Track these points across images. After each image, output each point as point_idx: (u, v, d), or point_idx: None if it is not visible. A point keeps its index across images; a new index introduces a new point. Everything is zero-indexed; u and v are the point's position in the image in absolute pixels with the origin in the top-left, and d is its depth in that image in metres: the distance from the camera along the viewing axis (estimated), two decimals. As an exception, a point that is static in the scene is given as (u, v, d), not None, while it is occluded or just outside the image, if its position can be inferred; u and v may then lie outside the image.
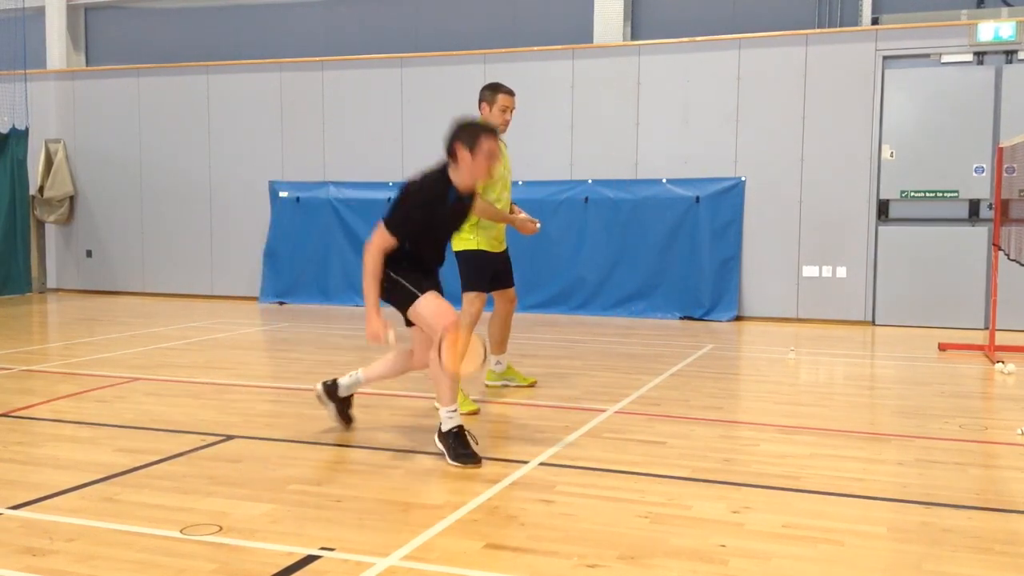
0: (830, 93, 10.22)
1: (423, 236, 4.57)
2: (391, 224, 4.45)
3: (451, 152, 4.46)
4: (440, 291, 4.66)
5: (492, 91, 5.80)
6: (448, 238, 4.88)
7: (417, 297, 4.51)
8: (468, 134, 4.43)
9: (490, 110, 5.77)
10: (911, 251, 10.02)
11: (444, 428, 4.47)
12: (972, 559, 3.20)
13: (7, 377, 6.73)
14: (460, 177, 4.49)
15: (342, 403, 5.05)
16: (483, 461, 4.37)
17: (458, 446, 4.40)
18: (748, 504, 3.79)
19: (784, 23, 10.73)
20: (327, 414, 5.07)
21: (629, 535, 3.42)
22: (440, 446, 4.47)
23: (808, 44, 10.31)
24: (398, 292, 4.56)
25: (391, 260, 4.49)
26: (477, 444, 4.48)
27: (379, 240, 4.44)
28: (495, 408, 5.70)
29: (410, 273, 4.55)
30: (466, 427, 4.51)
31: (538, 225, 5.89)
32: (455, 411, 4.48)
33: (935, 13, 10.16)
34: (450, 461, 4.38)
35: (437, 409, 4.57)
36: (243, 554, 3.23)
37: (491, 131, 4.53)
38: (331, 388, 5.04)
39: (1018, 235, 7.36)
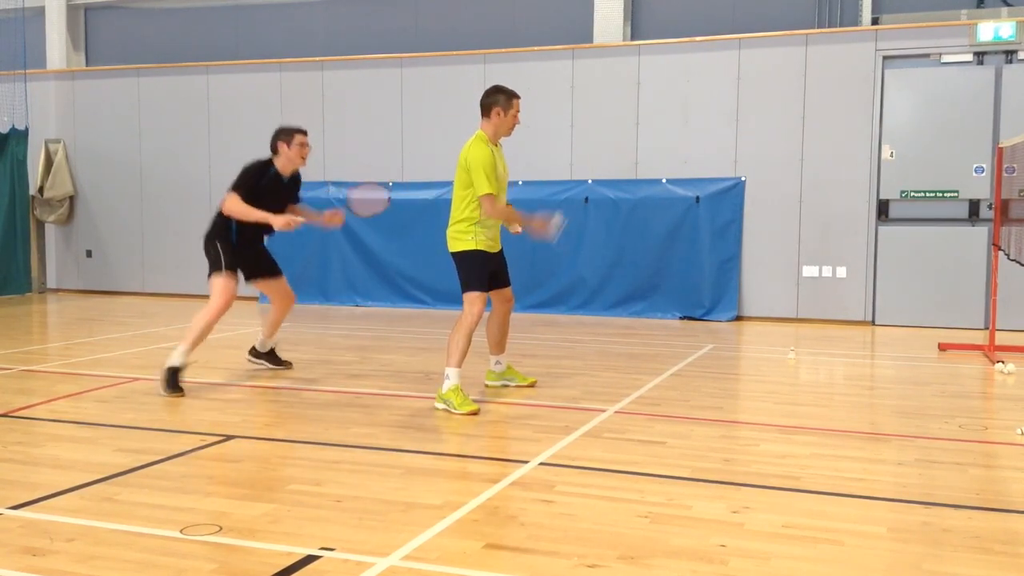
0: (830, 93, 10.22)
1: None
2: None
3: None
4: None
5: (507, 97, 5.72)
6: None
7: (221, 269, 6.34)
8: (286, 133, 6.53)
9: (504, 115, 5.70)
10: (911, 251, 10.02)
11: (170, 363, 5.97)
12: (972, 559, 3.20)
13: (7, 377, 6.73)
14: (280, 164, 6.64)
15: (271, 357, 6.93)
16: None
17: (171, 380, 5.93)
18: (748, 504, 3.79)
19: (784, 23, 10.73)
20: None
21: (629, 535, 3.42)
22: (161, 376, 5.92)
23: (808, 44, 10.31)
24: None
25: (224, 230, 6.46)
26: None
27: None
28: (495, 408, 5.70)
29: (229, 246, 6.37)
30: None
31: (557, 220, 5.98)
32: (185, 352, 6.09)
33: (935, 13, 10.16)
34: (162, 391, 5.85)
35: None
36: (243, 554, 3.23)
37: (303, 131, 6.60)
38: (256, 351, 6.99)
39: (1018, 235, 7.36)
